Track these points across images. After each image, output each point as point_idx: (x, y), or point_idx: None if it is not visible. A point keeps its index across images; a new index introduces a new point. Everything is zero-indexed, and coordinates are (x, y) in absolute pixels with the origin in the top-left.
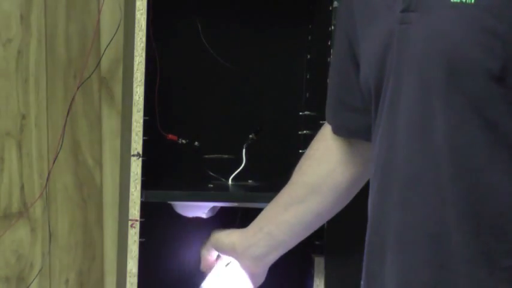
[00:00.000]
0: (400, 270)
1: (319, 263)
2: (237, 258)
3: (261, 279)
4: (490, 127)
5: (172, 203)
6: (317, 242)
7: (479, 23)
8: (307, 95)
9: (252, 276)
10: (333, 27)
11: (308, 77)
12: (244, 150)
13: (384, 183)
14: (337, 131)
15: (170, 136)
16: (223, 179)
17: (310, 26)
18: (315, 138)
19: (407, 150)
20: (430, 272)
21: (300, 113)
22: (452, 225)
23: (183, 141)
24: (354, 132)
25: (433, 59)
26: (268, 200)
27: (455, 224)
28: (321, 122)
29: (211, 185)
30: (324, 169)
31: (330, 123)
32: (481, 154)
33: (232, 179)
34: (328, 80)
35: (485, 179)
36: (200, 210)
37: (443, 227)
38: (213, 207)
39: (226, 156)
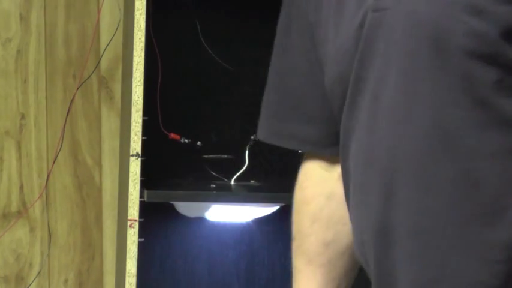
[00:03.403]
0: (395, 265)
1: None
2: None
3: None
4: (480, 107)
5: (174, 203)
6: None
7: (464, 1)
8: None
9: None
10: None
11: None
12: (247, 151)
13: (365, 180)
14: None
15: (172, 135)
16: (226, 179)
17: None
18: (299, 178)
19: (391, 139)
20: (414, 268)
21: None
22: (441, 215)
23: (186, 140)
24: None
25: (416, 41)
26: (269, 199)
27: (444, 215)
28: None
29: (214, 185)
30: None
31: (276, 136)
32: (470, 136)
33: (234, 180)
34: (268, 90)
35: (476, 163)
36: (202, 210)
37: (431, 218)
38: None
39: (225, 156)
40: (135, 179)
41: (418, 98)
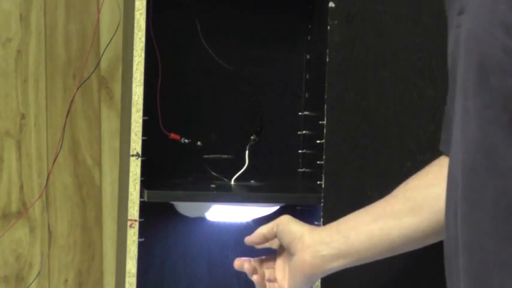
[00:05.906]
0: (446, 276)
1: None
2: (297, 250)
3: (305, 286)
4: None
5: (174, 203)
6: None
7: (499, 18)
8: (307, 95)
9: (300, 276)
10: (329, 28)
11: (307, 77)
12: (247, 151)
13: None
14: (442, 146)
15: (173, 135)
16: (226, 179)
17: (309, 26)
18: (430, 163)
19: (452, 154)
20: (466, 281)
21: (300, 113)
22: (486, 231)
23: (186, 140)
24: None
25: (469, 59)
26: (269, 199)
27: (488, 230)
28: (320, 122)
29: (214, 185)
30: (432, 192)
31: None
32: (508, 155)
33: (234, 180)
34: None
35: None
36: (202, 210)
37: (478, 233)
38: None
39: (225, 156)
40: (135, 179)
41: (469, 115)
